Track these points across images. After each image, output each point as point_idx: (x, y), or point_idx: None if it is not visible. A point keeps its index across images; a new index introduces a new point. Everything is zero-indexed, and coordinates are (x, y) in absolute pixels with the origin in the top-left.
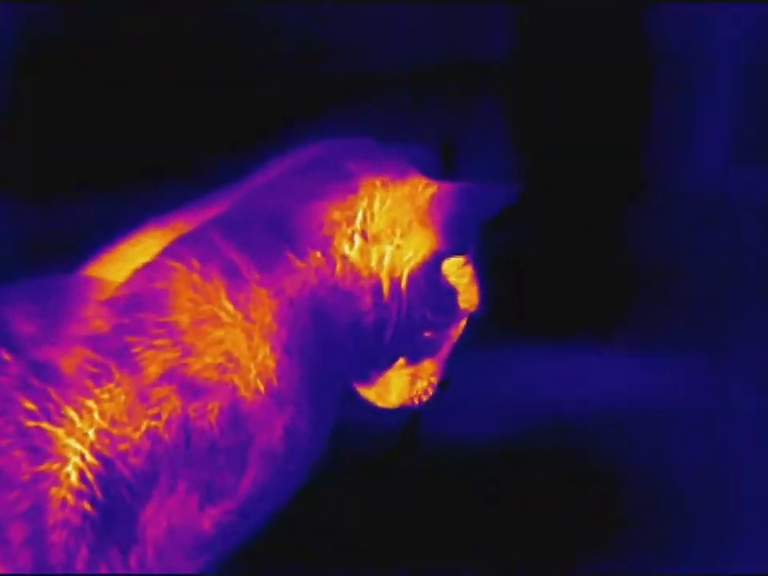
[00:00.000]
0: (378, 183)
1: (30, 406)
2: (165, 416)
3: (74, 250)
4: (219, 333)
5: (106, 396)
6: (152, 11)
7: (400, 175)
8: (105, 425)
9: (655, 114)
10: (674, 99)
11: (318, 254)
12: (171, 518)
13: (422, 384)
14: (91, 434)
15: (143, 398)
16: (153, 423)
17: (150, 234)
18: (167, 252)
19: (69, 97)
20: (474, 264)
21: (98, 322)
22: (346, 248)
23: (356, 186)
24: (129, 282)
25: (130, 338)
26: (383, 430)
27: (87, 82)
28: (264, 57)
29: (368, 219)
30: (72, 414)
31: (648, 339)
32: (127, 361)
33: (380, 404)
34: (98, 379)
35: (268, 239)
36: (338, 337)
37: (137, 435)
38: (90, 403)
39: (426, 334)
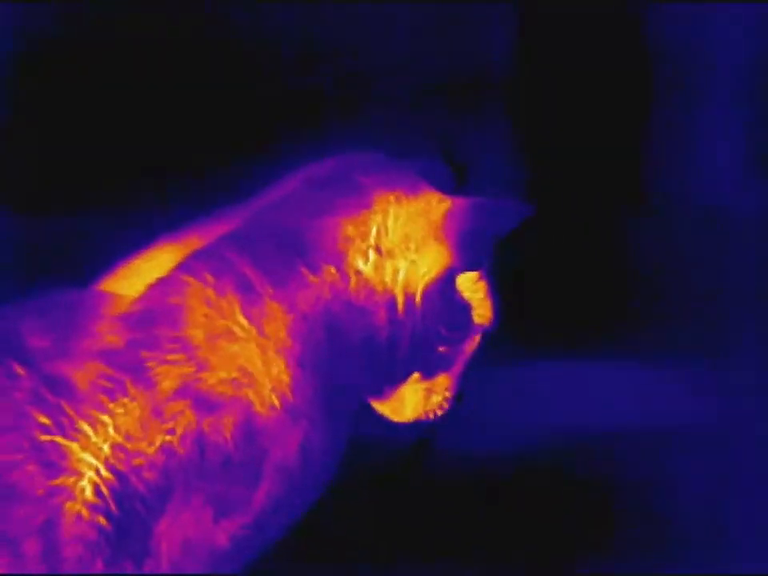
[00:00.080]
0: (391, 198)
1: (43, 420)
2: (179, 431)
3: (74, 251)
4: (233, 348)
5: (120, 410)
6: (152, 11)
7: (413, 190)
8: (119, 439)
9: (656, 116)
10: (675, 101)
11: (332, 269)
12: (186, 531)
13: (436, 398)
14: (106, 448)
15: (158, 412)
16: (167, 438)
17: (163, 248)
18: (181, 267)
19: (69, 97)
20: (488, 279)
21: (112, 336)
22: (360, 263)
23: (370, 201)
24: (143, 296)
25: (144, 353)
26: (398, 444)
27: (87, 81)
28: (264, 57)
29: (382, 234)
30: (86, 428)
31: (657, 349)
32: (141, 375)
33: (395, 418)
34: (112, 394)
35: (282, 254)
36: (352, 352)
37: (151, 450)
38: (105, 418)
39: (441, 349)
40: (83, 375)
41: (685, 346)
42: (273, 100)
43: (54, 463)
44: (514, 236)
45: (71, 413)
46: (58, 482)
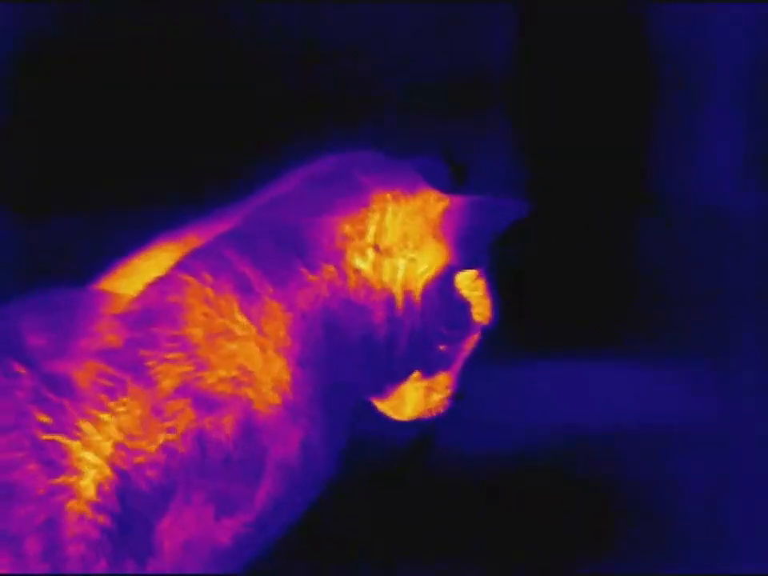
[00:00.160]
0: (389, 196)
1: (44, 419)
2: (180, 429)
3: (74, 251)
4: (233, 346)
5: (121, 409)
6: (152, 11)
7: (411, 188)
8: (120, 438)
9: (656, 116)
10: (675, 101)
11: (331, 268)
12: (187, 530)
13: (437, 396)
14: (107, 447)
15: (158, 411)
16: (168, 436)
17: (162, 247)
18: (179, 266)
19: (69, 97)
20: (487, 277)
21: (112, 336)
22: (358, 261)
23: (368, 199)
24: (141, 296)
25: (143, 352)
26: (398, 442)
27: (87, 81)
28: (264, 57)
29: (381, 233)
30: (87, 427)
31: (657, 350)
32: (141, 375)
33: (395, 417)
34: (112, 393)
35: (280, 253)
36: (352, 350)
37: (152, 448)
38: (105, 416)
39: (440, 347)
40: (83, 374)
41: (685, 346)
42: (273, 100)
43: (55, 462)
44: (513, 235)
45: (72, 412)
46: (59, 480)
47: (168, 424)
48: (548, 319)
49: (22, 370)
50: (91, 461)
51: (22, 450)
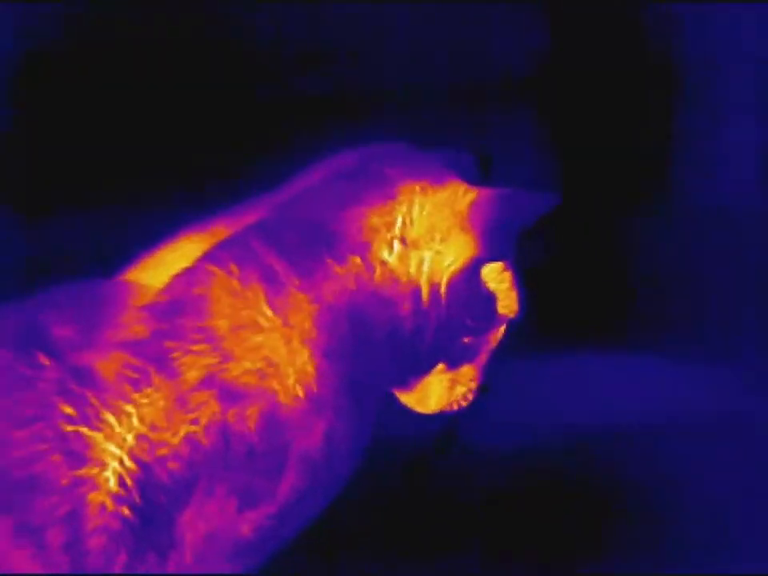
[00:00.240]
0: (416, 189)
1: (68, 410)
2: (203, 421)
3: (74, 251)
4: (258, 338)
5: (144, 401)
6: (152, 11)
7: (438, 180)
8: (144, 429)
9: (661, 117)
10: (683, 103)
11: (358, 260)
12: (210, 522)
13: (461, 389)
14: (130, 438)
15: (182, 402)
16: (192, 428)
17: (188, 239)
18: (206, 257)
19: (69, 97)
20: (513, 270)
21: (137, 327)
22: (385, 254)
23: (395, 191)
24: (167, 287)
25: (168, 344)
26: (422, 434)
27: (87, 82)
28: (264, 58)
29: (407, 225)
30: (111, 418)
31: (658, 349)
32: (166, 366)
33: (419, 409)
34: (136, 384)
35: (307, 244)
36: (377, 342)
37: (176, 440)
38: (129, 408)
39: (465, 340)
40: (108, 365)
41: (686, 345)
42: (273, 100)
43: (79, 453)
44: (539, 227)
45: (96, 403)
46: (82, 472)
47: (192, 416)
48: (550, 318)
49: (47, 362)
50: (114, 452)
51: (45, 441)
